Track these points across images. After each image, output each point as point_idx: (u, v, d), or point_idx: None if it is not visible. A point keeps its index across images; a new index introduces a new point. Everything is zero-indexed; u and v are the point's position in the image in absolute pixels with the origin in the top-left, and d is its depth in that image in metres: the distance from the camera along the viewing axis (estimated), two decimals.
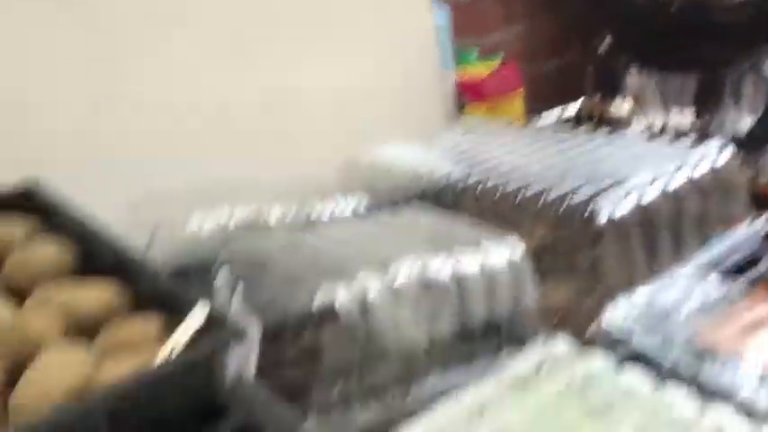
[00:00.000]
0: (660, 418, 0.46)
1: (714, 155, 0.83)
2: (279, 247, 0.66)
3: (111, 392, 0.42)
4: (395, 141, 1.02)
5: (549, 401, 0.49)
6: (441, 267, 0.62)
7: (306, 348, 0.60)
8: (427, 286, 0.61)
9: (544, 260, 0.81)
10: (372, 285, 0.59)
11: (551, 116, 1.51)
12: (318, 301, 0.57)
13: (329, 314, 0.57)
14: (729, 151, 0.84)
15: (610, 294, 0.71)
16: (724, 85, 1.32)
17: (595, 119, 1.49)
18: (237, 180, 0.89)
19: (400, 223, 0.72)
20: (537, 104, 1.53)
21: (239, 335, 0.47)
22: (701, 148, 0.84)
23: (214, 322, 0.49)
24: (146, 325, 0.53)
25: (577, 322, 0.75)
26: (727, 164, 0.83)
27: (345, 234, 0.69)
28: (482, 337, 0.65)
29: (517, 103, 1.51)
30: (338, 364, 0.58)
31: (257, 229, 0.76)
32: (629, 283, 0.73)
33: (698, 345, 0.60)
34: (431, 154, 0.96)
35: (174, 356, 0.47)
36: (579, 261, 0.77)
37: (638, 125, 1.34)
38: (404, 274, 0.60)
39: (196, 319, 0.48)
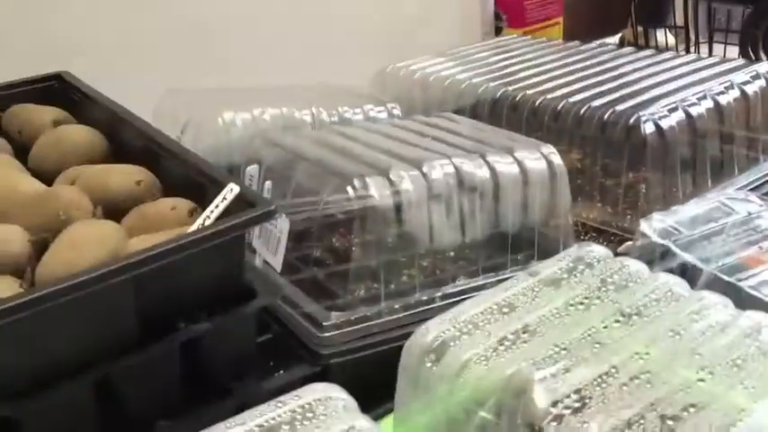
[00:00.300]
0: (694, 320, 0.45)
1: (764, 77, 0.79)
2: (310, 143, 0.65)
3: (141, 259, 0.41)
4: (430, 56, 1.00)
5: (580, 301, 0.47)
6: (475, 170, 0.60)
7: (333, 247, 0.59)
8: (462, 187, 0.60)
9: (581, 178, 0.79)
10: (407, 181, 0.57)
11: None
12: (351, 193, 0.56)
13: (359, 211, 0.56)
14: None
15: (648, 213, 0.69)
16: None
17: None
18: (270, 84, 0.88)
19: (434, 129, 0.70)
20: (577, 34, 1.48)
21: (271, 213, 0.46)
22: (751, 69, 0.80)
23: (245, 201, 0.48)
24: (176, 207, 0.52)
25: (611, 240, 0.74)
26: None
27: (378, 136, 0.67)
28: (514, 246, 0.64)
29: (556, 32, 1.46)
30: (367, 263, 0.57)
31: (289, 127, 0.74)
32: (667, 205, 0.71)
33: (736, 262, 0.58)
34: (467, 67, 0.93)
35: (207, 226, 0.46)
36: (618, 179, 0.75)
37: (694, 54, 1.29)
38: (438, 172, 0.59)
39: (226, 197, 0.47)
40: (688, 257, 0.57)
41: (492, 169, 0.61)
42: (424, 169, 0.58)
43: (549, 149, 0.64)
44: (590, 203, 0.78)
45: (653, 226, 0.62)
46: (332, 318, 0.54)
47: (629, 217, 0.75)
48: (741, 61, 0.84)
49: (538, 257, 0.64)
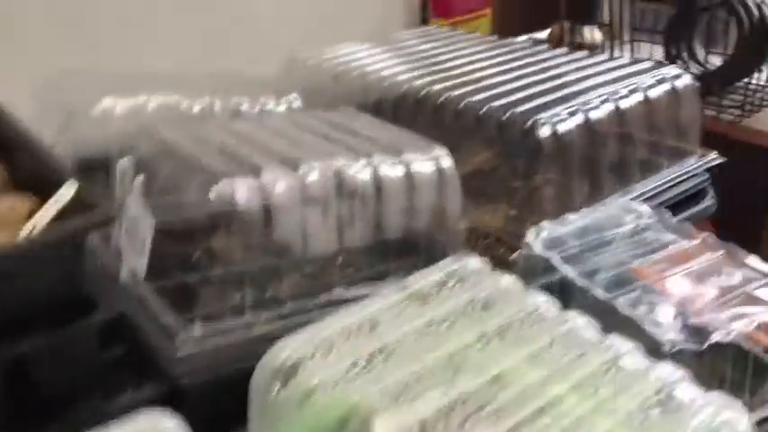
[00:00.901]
0: (558, 343, 0.43)
1: (670, 81, 0.78)
2: (186, 137, 0.61)
3: None
4: (343, 45, 0.96)
5: (445, 319, 0.45)
6: (357, 172, 0.57)
7: (200, 251, 0.55)
8: (341, 191, 0.56)
9: (483, 181, 0.77)
10: (279, 183, 0.54)
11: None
12: (216, 195, 0.52)
13: (229, 213, 0.53)
14: (687, 79, 0.80)
15: (546, 218, 0.67)
16: (695, 19, 1.27)
17: (565, 46, 1.43)
18: (164, 71, 0.83)
19: (325, 126, 0.66)
20: (507, 28, 1.46)
21: (107, 220, 0.42)
22: (658, 73, 0.79)
23: (85, 205, 0.44)
24: (18, 204, 0.48)
25: (507, 248, 0.72)
26: (684, 92, 0.79)
27: (263, 132, 0.63)
28: (398, 254, 0.61)
29: (484, 24, 1.45)
30: (232, 270, 0.53)
31: (174, 119, 0.70)
32: (567, 210, 0.70)
33: (620, 276, 0.56)
34: (378, 59, 0.89)
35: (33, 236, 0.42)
36: (518, 183, 0.73)
37: (608, 54, 1.28)
38: (316, 174, 0.55)
39: (61, 199, 0.43)
40: (568, 272, 0.55)
41: (375, 172, 0.58)
42: (301, 171, 0.55)
43: (441, 152, 0.62)
44: (490, 208, 0.76)
45: (540, 236, 0.60)
46: (189, 331, 0.50)
47: (526, 223, 0.73)
48: (650, 64, 0.82)
49: (424, 265, 0.62)
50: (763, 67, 1.20)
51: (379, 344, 0.43)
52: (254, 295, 0.55)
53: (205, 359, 0.50)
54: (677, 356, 0.48)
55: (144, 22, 0.96)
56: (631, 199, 0.74)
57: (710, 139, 0.92)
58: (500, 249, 0.72)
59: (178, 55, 0.96)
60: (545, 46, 0.94)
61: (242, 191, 0.52)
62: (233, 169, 0.54)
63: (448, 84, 0.80)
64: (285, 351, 0.43)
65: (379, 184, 0.58)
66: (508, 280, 0.49)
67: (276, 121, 0.68)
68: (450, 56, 0.90)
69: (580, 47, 1.43)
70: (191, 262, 0.56)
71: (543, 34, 1.49)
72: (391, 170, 0.59)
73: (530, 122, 0.68)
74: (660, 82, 0.78)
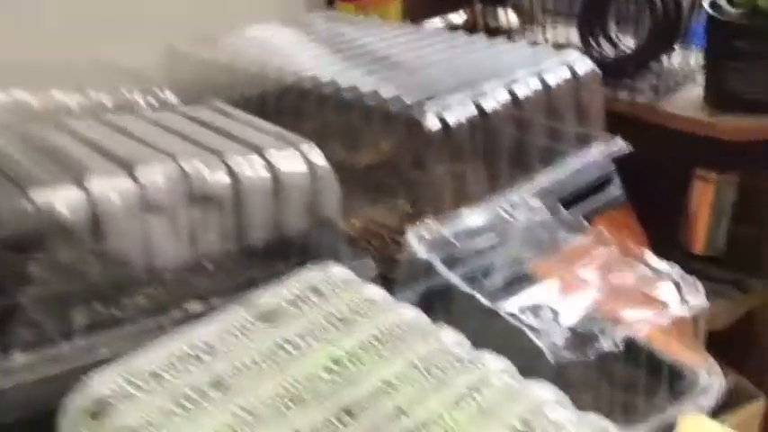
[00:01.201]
0: (421, 365, 0.37)
1: (570, 66, 0.74)
2: (14, 140, 0.53)
3: None
4: (236, 33, 0.89)
5: (293, 341, 0.39)
6: (210, 176, 0.51)
7: (28, 267, 0.48)
8: (192, 196, 0.50)
9: (380, 174, 0.71)
10: (112, 191, 0.46)
11: (431, 25, 1.39)
12: (35, 207, 0.44)
13: (51, 227, 0.45)
14: (588, 64, 0.75)
15: (437, 216, 0.62)
16: (609, 1, 1.24)
17: (479, 30, 1.38)
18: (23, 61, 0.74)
19: (185, 122, 0.59)
20: (418, 9, 1.41)
21: None
22: (558, 58, 0.74)
23: None
24: None
25: (400, 248, 0.66)
26: (585, 78, 0.74)
27: (108, 131, 0.56)
28: (266, 260, 0.54)
29: (394, 8, 1.38)
30: (64, 287, 0.46)
31: (17, 116, 0.61)
32: (464, 204, 0.64)
33: (510, 278, 0.51)
34: (262, 50, 0.82)
35: None
36: (408, 178, 0.68)
37: (521, 38, 1.24)
38: (159, 178, 0.48)
39: None
40: (451, 277, 0.50)
41: (233, 174, 0.51)
42: (137, 173, 0.48)
43: (310, 147, 0.56)
44: (387, 204, 0.70)
45: (423, 237, 0.54)
46: (3, 361, 0.43)
47: (422, 220, 0.67)
48: (550, 48, 0.78)
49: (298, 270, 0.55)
50: (676, 49, 1.18)
51: (212, 376, 0.37)
52: (92, 316, 0.47)
53: (24, 394, 0.43)
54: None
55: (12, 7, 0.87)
56: (533, 192, 0.70)
57: (625, 123, 0.88)
58: (392, 249, 0.66)
59: (50, 43, 0.88)
60: (446, 32, 0.88)
61: (63, 201, 0.44)
62: (56, 176, 0.46)
63: (336, 74, 0.73)
64: (94, 387, 0.36)
65: (237, 186, 0.51)
66: (373, 291, 0.43)
67: (129, 119, 0.60)
68: (339, 46, 0.84)
69: (496, 30, 1.39)
70: (15, 279, 0.49)
71: (457, 17, 1.44)
72: (252, 170, 0.52)
73: (417, 113, 0.62)
74: (559, 67, 0.73)
